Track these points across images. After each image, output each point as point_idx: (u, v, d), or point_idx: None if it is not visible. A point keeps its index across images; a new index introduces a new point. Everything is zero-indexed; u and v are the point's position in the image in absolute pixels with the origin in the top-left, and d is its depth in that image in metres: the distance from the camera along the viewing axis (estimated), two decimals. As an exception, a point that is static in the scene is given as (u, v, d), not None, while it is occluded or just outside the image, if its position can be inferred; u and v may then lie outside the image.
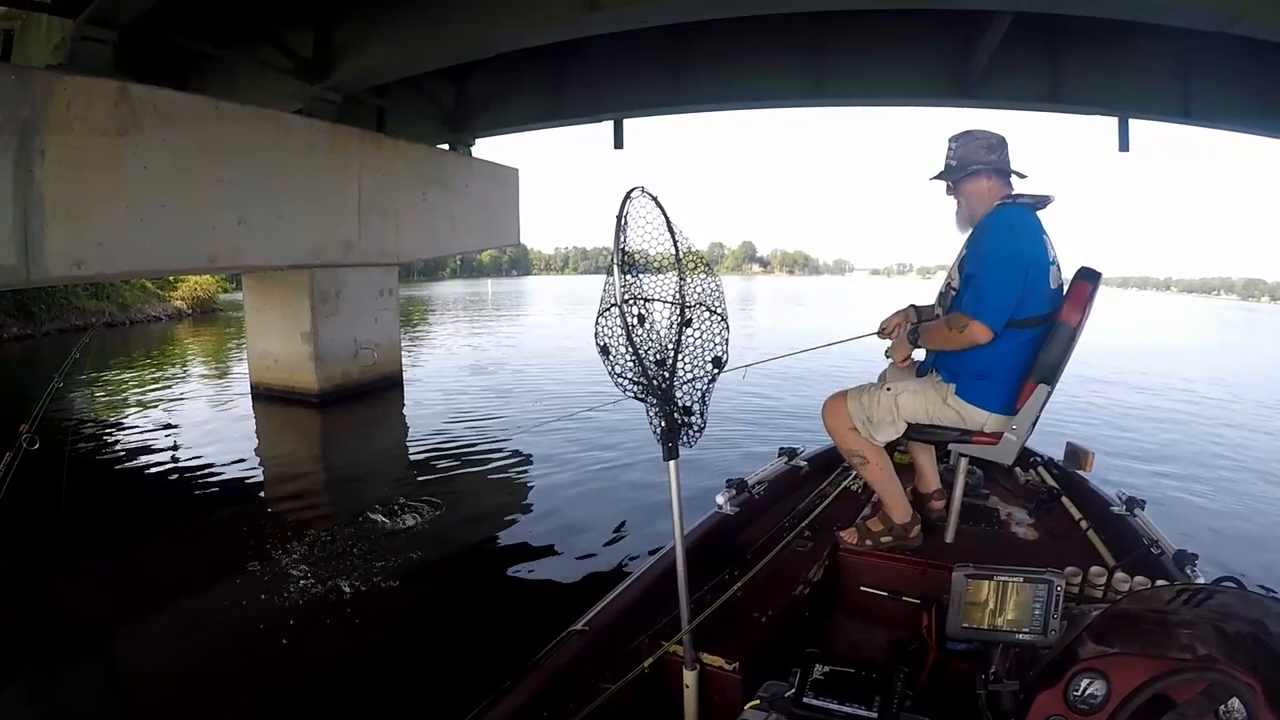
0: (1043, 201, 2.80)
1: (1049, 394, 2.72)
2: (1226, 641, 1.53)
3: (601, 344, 2.04)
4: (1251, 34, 6.53)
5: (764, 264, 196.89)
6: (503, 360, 16.93)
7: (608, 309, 2.02)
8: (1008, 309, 2.66)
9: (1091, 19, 7.51)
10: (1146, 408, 12.13)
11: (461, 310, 35.57)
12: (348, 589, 4.88)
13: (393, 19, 8.48)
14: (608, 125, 12.52)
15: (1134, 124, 9.81)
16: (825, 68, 9.91)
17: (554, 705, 2.01)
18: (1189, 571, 2.67)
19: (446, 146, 13.08)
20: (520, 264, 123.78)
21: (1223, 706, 1.49)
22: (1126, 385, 14.30)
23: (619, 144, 12.64)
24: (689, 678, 2.10)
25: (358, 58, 9.14)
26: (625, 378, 2.05)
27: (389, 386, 11.88)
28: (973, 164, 2.83)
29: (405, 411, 11.16)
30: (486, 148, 13.56)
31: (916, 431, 2.95)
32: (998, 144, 2.83)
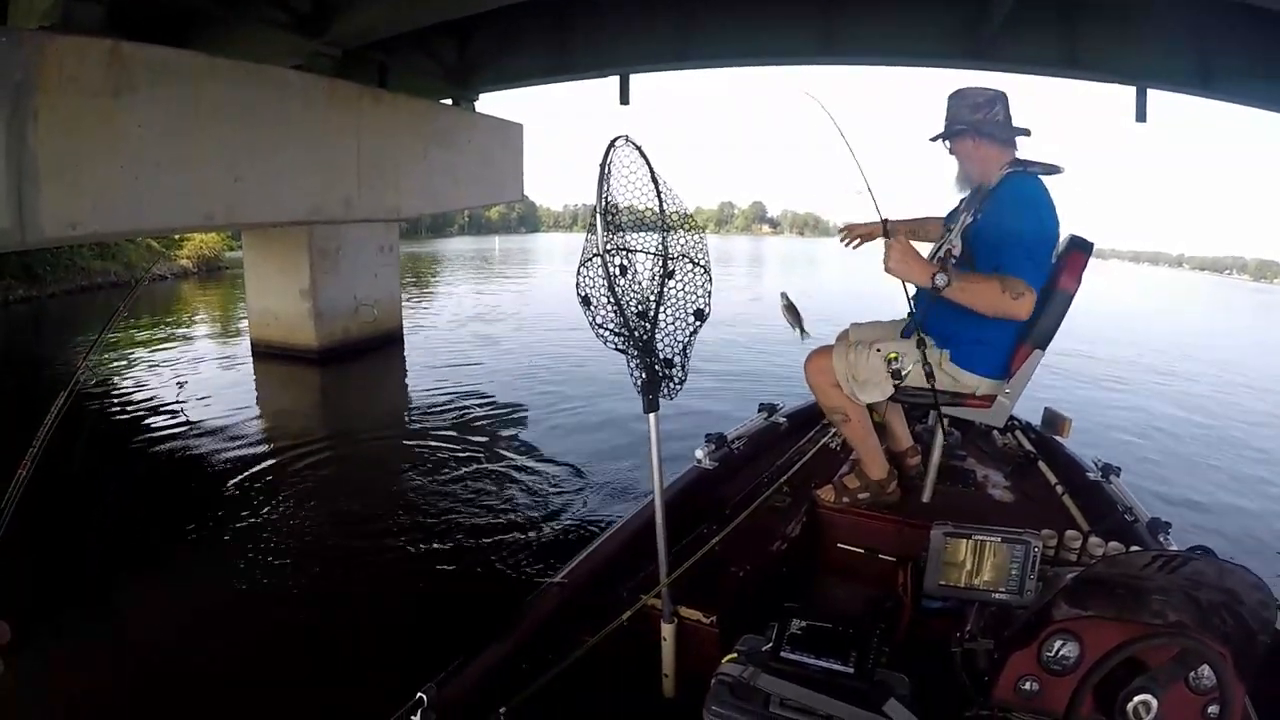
0: (1052, 170, 2.69)
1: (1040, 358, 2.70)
2: (1199, 609, 1.54)
3: (583, 294, 2.02)
4: (1270, 5, 6.39)
5: (774, 225, 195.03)
6: (505, 315, 17.07)
7: (589, 259, 1.99)
8: (1036, 266, 2.56)
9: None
10: (1134, 380, 12.21)
11: (468, 266, 35.59)
12: (337, 536, 5.04)
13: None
14: (615, 81, 12.40)
15: (1152, 95, 9.63)
16: (836, 24, 9.75)
17: (533, 657, 2.01)
18: (1162, 539, 2.71)
19: (450, 102, 12.97)
20: (529, 221, 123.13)
21: (1193, 673, 1.52)
22: (1118, 358, 14.35)
23: (625, 100, 12.54)
24: (667, 631, 2.12)
25: (356, 12, 9.07)
26: (606, 329, 2.03)
27: (389, 343, 11.93)
28: (956, 124, 2.74)
29: (405, 367, 11.24)
30: (492, 104, 13.44)
31: (904, 394, 2.86)
32: (984, 102, 2.70)
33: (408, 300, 15.23)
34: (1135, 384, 11.90)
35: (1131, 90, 9.62)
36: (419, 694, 1.72)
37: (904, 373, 2.73)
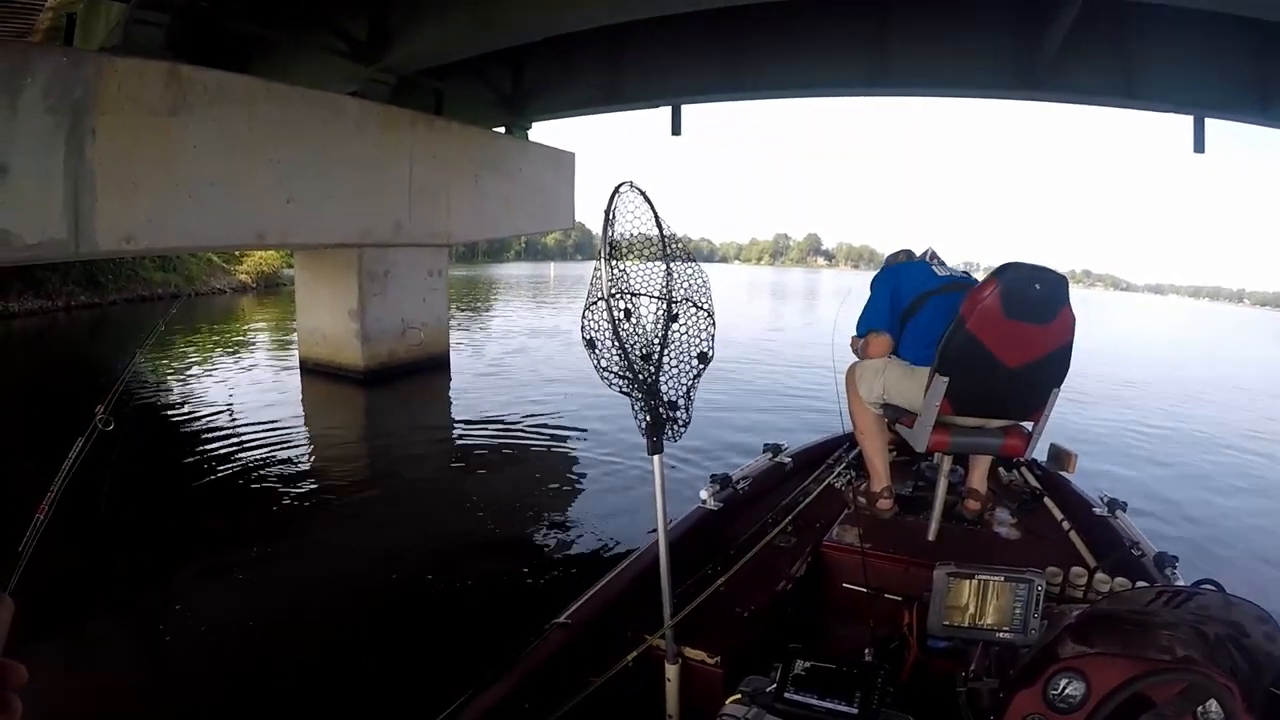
0: (924, 257, 3.54)
1: (947, 385, 2.73)
2: (1206, 644, 1.52)
3: (588, 337, 2.03)
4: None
5: (829, 257, 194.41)
6: (555, 339, 17.12)
7: (594, 303, 2.01)
8: (870, 320, 3.31)
9: (1163, 7, 7.13)
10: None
11: (523, 291, 36.15)
12: (362, 565, 5.04)
13: (446, 2, 8.52)
14: (668, 112, 12.45)
15: (1210, 124, 9.39)
16: (888, 55, 9.64)
17: (536, 698, 2.00)
18: (1169, 574, 2.70)
19: (502, 130, 13.16)
20: (584, 248, 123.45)
21: (1200, 708, 1.49)
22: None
23: (676, 130, 12.59)
24: (671, 671, 2.11)
25: (411, 41, 9.27)
26: (611, 372, 2.04)
27: (436, 366, 12.00)
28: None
29: (450, 392, 11.29)
30: (546, 133, 13.58)
31: (886, 408, 3.18)
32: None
33: (461, 323, 15.32)
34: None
35: (1189, 120, 9.43)
36: None
37: (882, 381, 3.18)
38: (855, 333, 3.41)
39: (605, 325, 2.00)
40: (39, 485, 2.33)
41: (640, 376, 2.03)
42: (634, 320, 2.03)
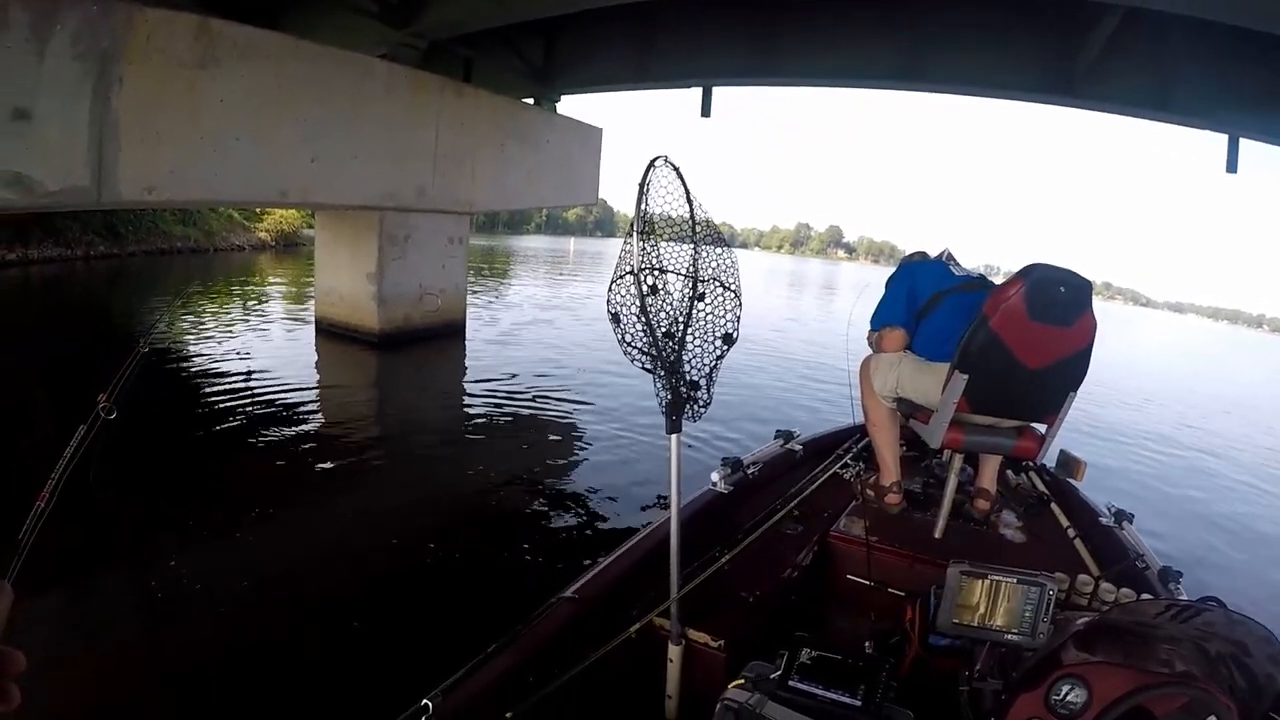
0: (940, 257, 3.56)
1: (965, 382, 2.73)
2: (1206, 660, 1.54)
3: (613, 311, 2.00)
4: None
5: (850, 250, 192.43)
6: (572, 312, 17.18)
7: (622, 276, 1.99)
8: (886, 315, 3.33)
9: (1206, 22, 7.01)
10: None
11: (542, 264, 36.31)
12: (379, 523, 5.07)
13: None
14: (697, 93, 12.42)
15: (1246, 146, 9.27)
16: (921, 51, 9.58)
17: (539, 670, 1.99)
18: (1173, 588, 2.72)
19: (531, 101, 13.11)
20: (605, 225, 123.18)
21: None
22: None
23: (706, 112, 12.55)
24: (674, 652, 2.11)
25: (443, 6, 9.21)
26: (634, 347, 2.01)
27: (451, 333, 12.01)
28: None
29: (464, 359, 11.27)
30: (575, 107, 13.54)
31: (900, 402, 3.19)
32: None
33: (481, 291, 15.29)
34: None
35: (1222, 139, 9.31)
36: (424, 700, 1.71)
37: (896, 374, 3.19)
38: (870, 328, 3.46)
39: (631, 300, 1.97)
40: (43, 468, 2.32)
41: (663, 354, 2.00)
42: (660, 296, 2.00)
